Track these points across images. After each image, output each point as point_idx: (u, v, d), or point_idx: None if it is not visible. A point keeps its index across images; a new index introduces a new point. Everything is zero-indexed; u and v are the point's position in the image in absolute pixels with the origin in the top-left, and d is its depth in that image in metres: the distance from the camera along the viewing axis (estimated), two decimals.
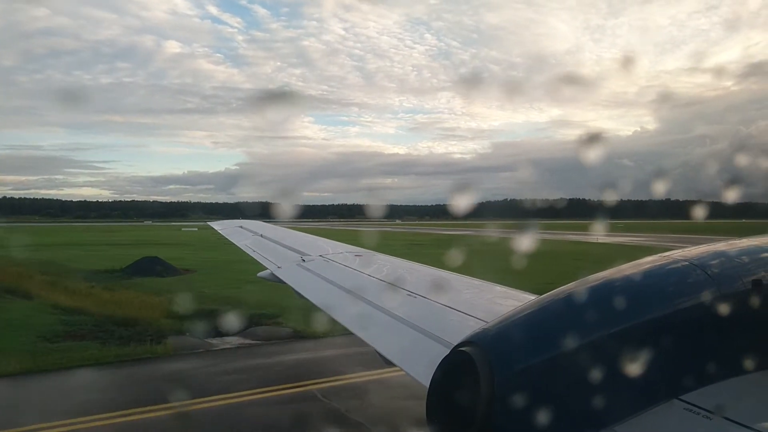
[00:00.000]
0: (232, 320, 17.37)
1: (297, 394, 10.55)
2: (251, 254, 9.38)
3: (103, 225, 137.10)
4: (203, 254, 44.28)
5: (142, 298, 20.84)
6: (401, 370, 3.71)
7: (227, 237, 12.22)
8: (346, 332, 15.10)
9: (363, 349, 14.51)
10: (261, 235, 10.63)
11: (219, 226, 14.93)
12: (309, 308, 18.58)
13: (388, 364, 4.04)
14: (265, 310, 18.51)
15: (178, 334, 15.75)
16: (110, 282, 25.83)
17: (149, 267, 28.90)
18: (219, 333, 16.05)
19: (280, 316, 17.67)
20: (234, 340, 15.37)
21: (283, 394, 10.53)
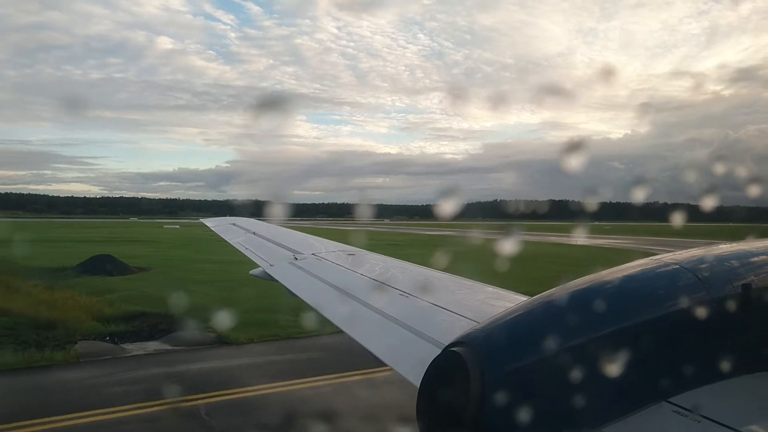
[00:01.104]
0: (157, 323, 16.52)
1: (179, 410, 9.64)
2: (244, 252, 9.17)
3: (86, 221, 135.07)
4: (170, 252, 43.33)
5: (77, 299, 19.82)
6: (391, 369, 3.70)
7: (220, 234, 12.06)
8: (271, 339, 14.23)
9: (279, 358, 14.03)
10: (254, 233, 10.57)
11: (211, 223, 14.63)
12: (242, 311, 17.95)
13: (380, 363, 3.98)
14: (197, 313, 17.60)
15: (96, 338, 14.83)
16: (56, 280, 24.80)
17: (100, 265, 27.84)
18: (139, 337, 15.16)
19: (209, 319, 16.77)
20: (151, 346, 14.44)
21: (165, 410, 9.61)
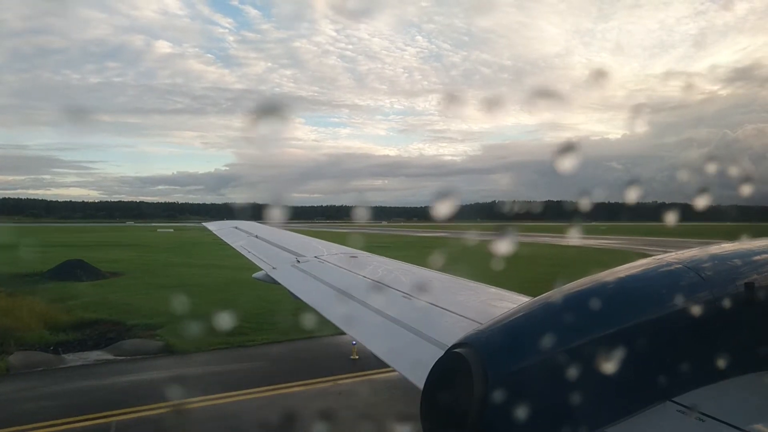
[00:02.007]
0: (107, 332, 15.96)
1: (89, 428, 9.03)
2: (246, 255, 9.19)
3: (81, 226, 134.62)
4: (153, 256, 42.70)
5: (34, 306, 19.26)
6: (394, 371, 3.70)
7: (222, 237, 12.05)
8: (219, 347, 13.58)
9: (220, 368, 13.34)
10: (256, 236, 10.62)
11: (214, 226, 14.52)
12: (201, 317, 17.37)
13: (382, 364, 4.00)
14: (153, 320, 17.07)
15: (40, 348, 14.28)
16: (23, 287, 24.25)
17: (70, 271, 27.29)
18: (85, 347, 14.59)
19: (163, 326, 16.22)
20: (93, 356, 13.88)
21: (73, 428, 9.00)
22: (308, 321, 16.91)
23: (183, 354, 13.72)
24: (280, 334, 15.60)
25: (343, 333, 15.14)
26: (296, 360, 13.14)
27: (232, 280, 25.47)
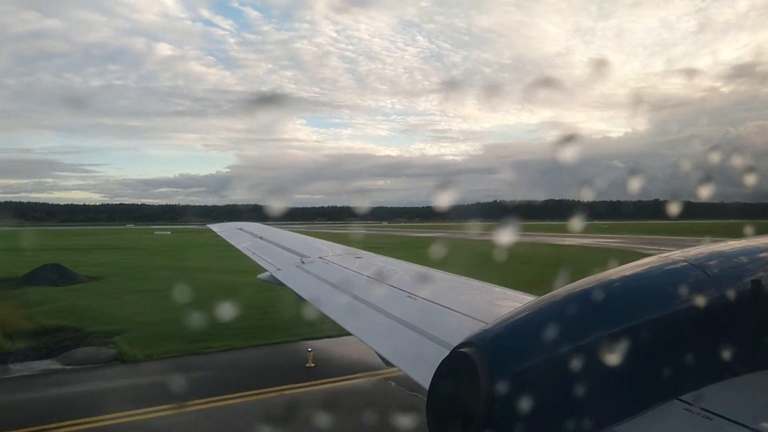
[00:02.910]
0: (64, 339, 15.37)
1: None
2: (251, 256, 9.24)
3: (79, 229, 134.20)
4: (138, 259, 42.15)
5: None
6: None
7: (226, 239, 12.08)
8: (172, 356, 12.93)
9: (164, 378, 12.43)
10: (260, 237, 10.62)
11: (218, 228, 14.83)
12: (165, 323, 16.77)
13: (389, 365, 4.03)
14: (114, 327, 16.47)
15: None
16: None
17: (45, 275, 26.68)
18: (37, 355, 14.00)
19: (121, 333, 15.64)
20: (41, 365, 13.27)
21: None
22: (274, 327, 16.33)
23: (133, 363, 13.12)
24: (242, 340, 15.04)
25: (304, 339, 14.57)
26: (248, 369, 12.55)
27: (213, 283, 24.92)
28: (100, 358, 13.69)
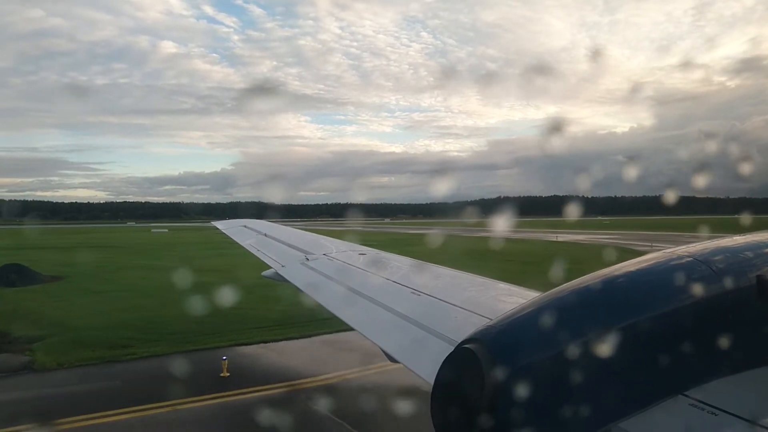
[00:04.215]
0: None
1: None
2: (255, 253, 9.24)
3: (78, 227, 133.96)
4: (118, 258, 41.32)
5: None
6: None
7: (231, 236, 12.01)
8: (85, 364, 11.96)
9: (64, 390, 11.21)
10: (265, 235, 10.60)
11: (223, 225, 14.77)
12: (99, 328, 15.88)
13: (393, 361, 4.02)
14: (43, 331, 15.60)
15: None
16: None
17: (4, 276, 25.92)
18: None
19: (47, 338, 14.75)
20: None
21: None
22: (208, 332, 15.30)
23: (42, 372, 12.24)
24: (170, 345, 14.20)
25: (235, 345, 13.57)
26: (157, 378, 11.63)
27: (177, 284, 24.05)
28: (10, 365, 12.78)
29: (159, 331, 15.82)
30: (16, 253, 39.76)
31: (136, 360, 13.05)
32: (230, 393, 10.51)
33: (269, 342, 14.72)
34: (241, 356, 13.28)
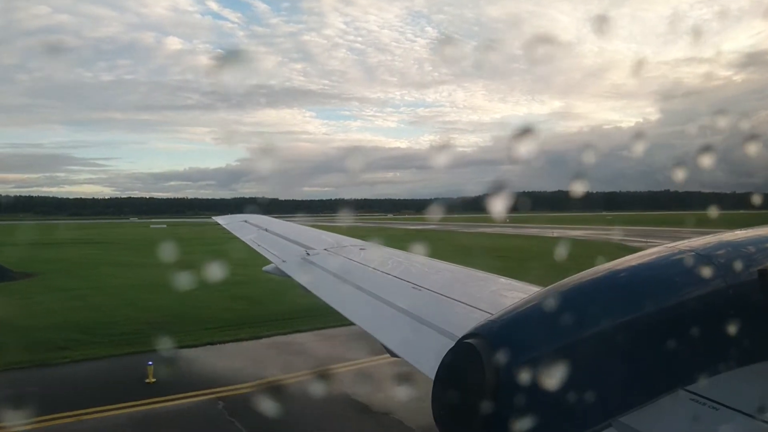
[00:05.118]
0: None
1: None
2: (256, 248, 9.15)
3: (79, 223, 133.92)
4: (103, 255, 40.94)
5: None
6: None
7: (231, 231, 11.93)
8: (7, 369, 11.37)
9: None
10: (266, 230, 10.55)
11: (223, 220, 14.34)
12: (31, 329, 15.31)
13: (394, 356, 3.98)
14: None
15: None
16: None
17: None
18: None
19: None
20: None
21: None
22: (157, 334, 14.69)
23: None
24: (111, 347, 13.71)
25: (182, 347, 12.99)
26: (78, 385, 11.08)
27: (148, 282, 23.65)
28: None
29: (107, 332, 15.25)
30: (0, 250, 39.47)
31: (68, 364, 12.46)
32: (143, 402, 9.88)
33: (216, 344, 14.15)
34: (179, 359, 12.69)
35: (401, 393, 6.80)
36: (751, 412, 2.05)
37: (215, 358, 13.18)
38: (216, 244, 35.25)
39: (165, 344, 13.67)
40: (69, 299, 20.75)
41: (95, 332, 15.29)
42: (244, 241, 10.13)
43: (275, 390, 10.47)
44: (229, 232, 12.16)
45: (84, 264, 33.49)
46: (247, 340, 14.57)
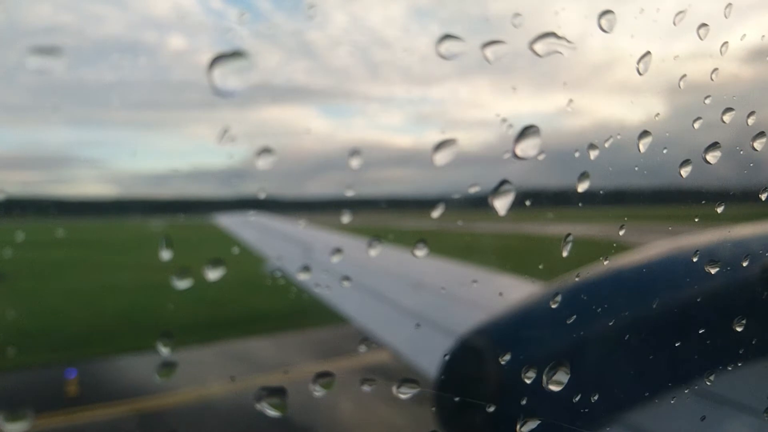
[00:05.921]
0: None
1: None
2: (254, 247, 9.32)
3: (72, 223, 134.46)
4: (85, 256, 40.04)
5: None
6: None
7: (230, 230, 11.67)
8: None
9: None
10: (266, 229, 10.82)
11: (223, 219, 13.24)
12: None
13: (394, 355, 4.09)
14: None
15: None
16: None
17: None
18: None
19: None
20: None
21: None
22: (96, 340, 13.84)
23: None
24: (42, 353, 13.08)
25: (121, 352, 12.17)
26: None
27: (109, 284, 23.09)
28: None
29: (43, 339, 14.44)
30: None
31: None
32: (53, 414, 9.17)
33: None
34: (103, 370, 12.23)
35: None
36: (756, 408, 2.06)
37: (148, 367, 12.53)
38: (209, 244, 34.65)
39: (97, 351, 13.20)
40: (21, 304, 19.83)
41: (31, 338, 14.37)
42: (244, 241, 9.99)
43: (194, 403, 9.75)
44: (230, 232, 11.65)
45: (59, 266, 32.66)
46: (192, 345, 13.67)
